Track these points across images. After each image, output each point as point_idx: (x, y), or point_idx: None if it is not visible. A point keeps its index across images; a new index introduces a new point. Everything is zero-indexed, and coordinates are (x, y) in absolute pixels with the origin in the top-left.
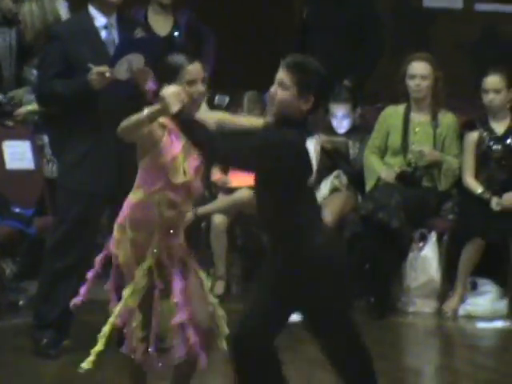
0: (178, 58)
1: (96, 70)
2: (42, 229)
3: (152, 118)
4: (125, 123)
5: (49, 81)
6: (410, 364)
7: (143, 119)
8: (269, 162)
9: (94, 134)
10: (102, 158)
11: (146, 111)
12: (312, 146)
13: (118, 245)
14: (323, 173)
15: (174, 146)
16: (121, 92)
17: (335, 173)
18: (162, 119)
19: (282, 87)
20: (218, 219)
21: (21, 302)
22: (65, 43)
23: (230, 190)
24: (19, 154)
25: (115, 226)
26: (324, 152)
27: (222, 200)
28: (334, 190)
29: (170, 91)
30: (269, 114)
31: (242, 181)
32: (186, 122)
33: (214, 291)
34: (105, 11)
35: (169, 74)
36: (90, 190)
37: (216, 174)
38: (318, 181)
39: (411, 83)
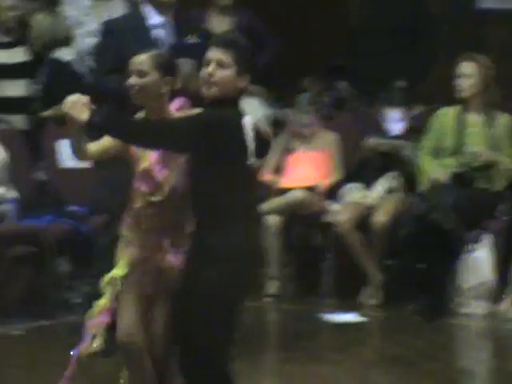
0: None
1: None
2: (97, 227)
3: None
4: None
5: (105, 75)
6: (462, 366)
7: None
8: (206, 141)
9: None
10: None
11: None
12: (247, 125)
13: None
14: (376, 173)
15: None
16: None
17: (392, 174)
18: None
19: (222, 67)
20: (272, 219)
21: (75, 301)
22: (117, 39)
23: (283, 191)
24: None
25: None
26: (378, 154)
27: (276, 200)
28: (391, 190)
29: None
30: (206, 94)
31: (295, 181)
32: (103, 121)
33: (266, 291)
34: (159, 10)
35: None
36: None
37: (266, 174)
38: (372, 181)
39: (457, 83)
